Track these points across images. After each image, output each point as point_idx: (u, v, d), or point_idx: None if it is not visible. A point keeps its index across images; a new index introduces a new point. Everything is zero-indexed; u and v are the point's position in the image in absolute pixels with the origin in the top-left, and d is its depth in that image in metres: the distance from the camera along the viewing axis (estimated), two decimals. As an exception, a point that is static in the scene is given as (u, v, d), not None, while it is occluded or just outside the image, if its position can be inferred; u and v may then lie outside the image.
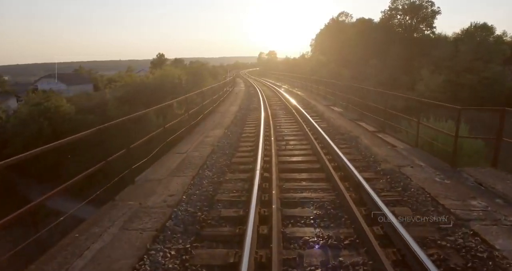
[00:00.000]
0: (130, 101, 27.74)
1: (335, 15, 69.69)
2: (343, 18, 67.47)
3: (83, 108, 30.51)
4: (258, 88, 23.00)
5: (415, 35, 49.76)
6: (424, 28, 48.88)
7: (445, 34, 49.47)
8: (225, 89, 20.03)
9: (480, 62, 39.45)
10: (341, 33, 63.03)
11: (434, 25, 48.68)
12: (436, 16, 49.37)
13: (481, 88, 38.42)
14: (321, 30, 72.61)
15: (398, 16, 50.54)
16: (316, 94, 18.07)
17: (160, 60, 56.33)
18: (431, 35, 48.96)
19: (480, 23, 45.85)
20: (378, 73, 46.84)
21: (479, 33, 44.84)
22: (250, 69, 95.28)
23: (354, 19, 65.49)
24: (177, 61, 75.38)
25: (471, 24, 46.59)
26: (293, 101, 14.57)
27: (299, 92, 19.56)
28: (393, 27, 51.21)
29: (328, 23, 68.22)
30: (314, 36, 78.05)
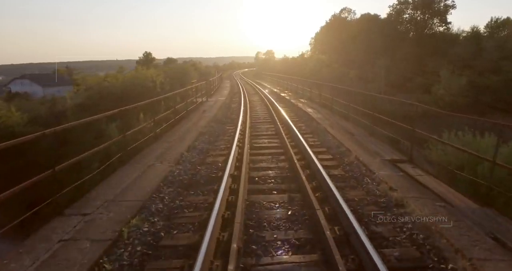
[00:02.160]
0: (92, 108, 21.62)
1: (336, 11, 63.61)
2: (346, 14, 61.42)
3: (39, 117, 24.59)
4: (246, 99, 15.89)
5: (426, 31, 43.65)
6: (438, 24, 42.77)
7: (456, 31, 43.51)
8: (195, 99, 13.62)
9: (508, 62, 33.53)
10: (343, 30, 56.92)
11: (448, 20, 42.58)
12: (451, 11, 43.39)
13: (507, 91, 32.58)
14: (321, 28, 66.53)
15: (409, 11, 44.38)
16: (345, 119, 9.84)
17: (147, 60, 50.03)
18: (445, 31, 42.91)
19: (502, 18, 40.03)
20: (387, 74, 40.88)
21: (502, 29, 39.08)
22: (246, 70, 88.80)
23: (357, 16, 59.51)
24: (169, 61, 69.44)
25: (491, 19, 40.76)
26: (310, 140, 7.09)
27: (309, 110, 11.79)
28: (403, 23, 45.12)
29: (329, 19, 62.04)
30: (313, 35, 72.05)
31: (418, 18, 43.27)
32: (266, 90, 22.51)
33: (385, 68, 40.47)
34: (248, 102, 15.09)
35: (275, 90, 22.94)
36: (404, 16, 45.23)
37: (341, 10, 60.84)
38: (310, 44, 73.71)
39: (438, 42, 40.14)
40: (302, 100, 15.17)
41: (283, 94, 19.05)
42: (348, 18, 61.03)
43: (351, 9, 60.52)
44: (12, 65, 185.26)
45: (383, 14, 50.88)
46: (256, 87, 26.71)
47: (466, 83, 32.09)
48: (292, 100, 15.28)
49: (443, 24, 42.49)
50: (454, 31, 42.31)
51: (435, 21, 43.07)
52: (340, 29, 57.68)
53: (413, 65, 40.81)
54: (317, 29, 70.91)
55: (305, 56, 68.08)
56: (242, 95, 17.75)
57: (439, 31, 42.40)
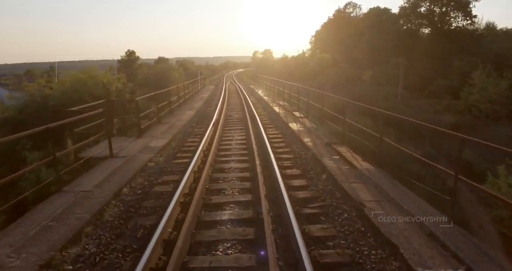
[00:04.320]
0: (21, 127, 14.98)
1: (339, 6, 56.71)
2: (351, 9, 54.63)
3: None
4: (214, 142, 7.39)
5: (447, 27, 37.00)
6: (463, 18, 36.04)
7: (484, 26, 36.86)
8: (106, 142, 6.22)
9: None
10: (349, 26, 50.27)
11: (474, 14, 35.86)
12: (474, 3, 36.68)
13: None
14: (323, 24, 59.68)
15: (427, 4, 37.62)
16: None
17: (130, 60, 43.12)
18: (469, 26, 36.24)
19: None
20: (404, 75, 34.21)
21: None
22: (241, 70, 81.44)
23: (364, 11, 52.76)
24: (160, 61, 62.96)
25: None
26: None
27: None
28: (420, 17, 38.40)
29: (333, 15, 55.25)
30: (314, 33, 65.24)
31: (438, 10, 36.50)
32: (261, 107, 13.91)
33: (400, 69, 33.80)
34: (215, 154, 6.72)
35: (276, 109, 12.82)
36: (421, 9, 38.47)
37: (346, 5, 54.04)
38: (310, 42, 66.99)
39: (466, 38, 33.49)
40: (338, 148, 6.52)
41: (295, 128, 9.00)
42: (353, 14, 54.32)
43: (356, 4, 53.73)
44: (6, 64, 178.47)
45: (394, 9, 44.42)
46: (247, 101, 15.82)
47: (507, 88, 25.51)
48: (326, 162, 5.93)
49: (467, 18, 35.75)
50: (481, 25, 35.63)
51: (457, 14, 36.33)
52: (345, 25, 51.03)
53: (433, 64, 34.20)
54: (316, 28, 64.22)
55: (306, 55, 61.37)
56: (212, 125, 9.17)
57: (463, 25, 35.68)
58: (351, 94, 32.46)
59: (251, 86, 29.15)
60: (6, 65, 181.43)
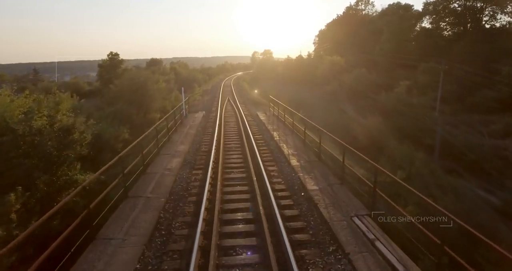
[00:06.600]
0: None
1: (350, 3, 49.83)
2: (362, 6, 47.79)
3: None
4: None
5: (489, 26, 30.39)
6: (507, 15, 29.43)
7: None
8: None
9: None
10: (361, 25, 43.51)
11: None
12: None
13: None
14: (331, 22, 52.82)
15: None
16: None
17: (112, 63, 36.02)
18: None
19: None
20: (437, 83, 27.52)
21: None
22: (240, 74, 73.92)
23: (376, 8, 46.00)
24: (153, 63, 55.99)
25: None
26: None
27: None
28: (453, 14, 31.71)
29: (343, 12, 48.36)
30: (317, 33, 58.38)
31: (478, 6, 29.80)
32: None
33: (435, 75, 27.14)
34: None
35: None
36: (453, 5, 31.78)
37: (358, 1, 47.15)
38: (314, 43, 60.24)
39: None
40: None
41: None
42: (365, 11, 47.53)
43: (369, 0, 46.86)
44: (1, 65, 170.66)
45: (419, 4, 37.79)
46: (271, 212, 5.12)
47: None
48: None
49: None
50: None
51: (499, 11, 29.72)
52: (357, 23, 44.24)
53: (475, 71, 27.65)
54: (319, 28, 57.34)
55: (311, 57, 54.52)
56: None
57: (508, 23, 29.10)
58: (379, 109, 26.07)
59: (262, 117, 15.31)
60: (1, 65, 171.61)
